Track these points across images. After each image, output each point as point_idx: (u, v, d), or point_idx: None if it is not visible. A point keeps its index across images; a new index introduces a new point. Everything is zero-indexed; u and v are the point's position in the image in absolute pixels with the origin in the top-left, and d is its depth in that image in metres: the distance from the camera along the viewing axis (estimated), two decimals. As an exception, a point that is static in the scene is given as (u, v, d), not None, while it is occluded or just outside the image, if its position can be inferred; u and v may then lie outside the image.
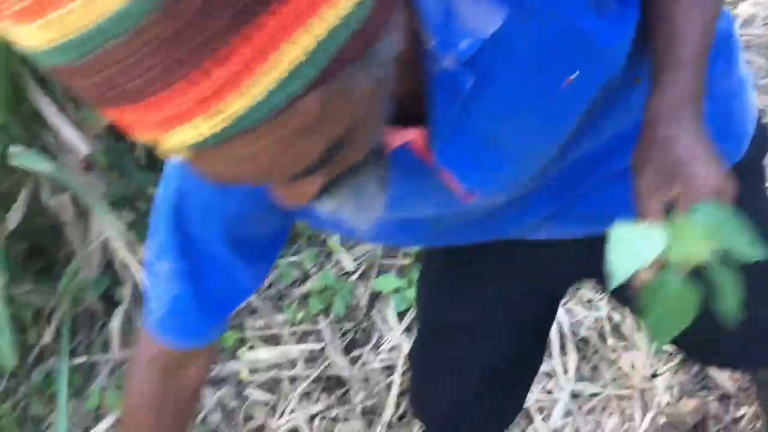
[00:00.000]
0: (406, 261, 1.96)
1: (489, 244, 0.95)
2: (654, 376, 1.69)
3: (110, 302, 1.88)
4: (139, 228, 1.86)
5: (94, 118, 1.74)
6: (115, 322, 1.83)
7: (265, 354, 1.84)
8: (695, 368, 1.68)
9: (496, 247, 0.97)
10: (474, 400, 1.16)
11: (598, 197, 0.89)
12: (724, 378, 1.62)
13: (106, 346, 1.85)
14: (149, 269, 0.83)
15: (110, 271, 1.84)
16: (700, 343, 1.16)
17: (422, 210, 0.75)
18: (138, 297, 1.87)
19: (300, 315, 1.91)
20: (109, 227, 1.71)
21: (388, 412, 1.68)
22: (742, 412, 1.59)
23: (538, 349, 1.20)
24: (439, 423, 1.24)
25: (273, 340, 1.88)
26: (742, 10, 2.57)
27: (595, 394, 1.69)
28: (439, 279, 1.10)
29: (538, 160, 0.75)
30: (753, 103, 0.95)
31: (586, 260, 0.99)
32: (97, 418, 1.78)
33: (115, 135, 1.92)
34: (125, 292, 1.85)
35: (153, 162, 1.99)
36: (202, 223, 0.76)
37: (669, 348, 1.72)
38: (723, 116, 0.89)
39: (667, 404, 1.64)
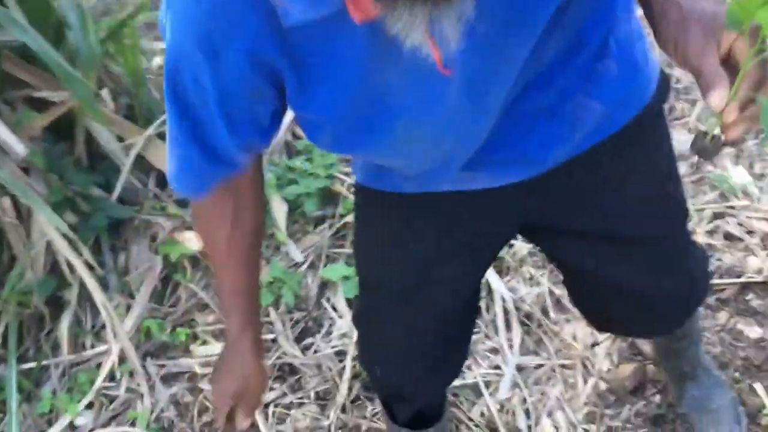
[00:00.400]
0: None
1: (422, 200, 0.99)
2: (594, 345, 1.76)
3: (57, 305, 1.87)
4: (82, 229, 1.85)
5: (31, 119, 1.73)
6: (64, 325, 1.82)
7: (217, 348, 1.85)
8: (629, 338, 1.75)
9: (428, 202, 1.01)
10: (417, 353, 1.20)
11: (524, 138, 0.93)
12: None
13: (55, 350, 1.84)
14: (169, 139, 0.87)
15: (55, 274, 1.83)
16: (621, 319, 1.23)
17: (397, 80, 0.77)
18: (85, 297, 1.87)
19: (250, 308, 1.92)
20: (52, 229, 1.70)
21: (341, 396, 1.72)
22: (676, 373, 1.67)
23: (474, 300, 1.25)
24: (387, 378, 1.28)
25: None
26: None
27: (539, 366, 1.75)
28: (374, 237, 1.13)
29: (508, 65, 0.80)
30: (651, 49, 1.02)
31: (519, 207, 1.03)
32: (49, 422, 1.77)
33: (54, 136, 1.91)
34: (72, 294, 1.84)
35: (93, 162, 1.98)
36: (196, 94, 0.79)
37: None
38: (631, 56, 0.96)
39: (608, 370, 1.71)
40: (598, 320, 1.34)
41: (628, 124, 0.98)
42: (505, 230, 1.13)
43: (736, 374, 1.67)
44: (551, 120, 0.93)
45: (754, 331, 1.73)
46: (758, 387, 1.63)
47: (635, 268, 1.11)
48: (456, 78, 0.77)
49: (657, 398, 1.66)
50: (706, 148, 0.72)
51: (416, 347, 1.21)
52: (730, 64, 0.69)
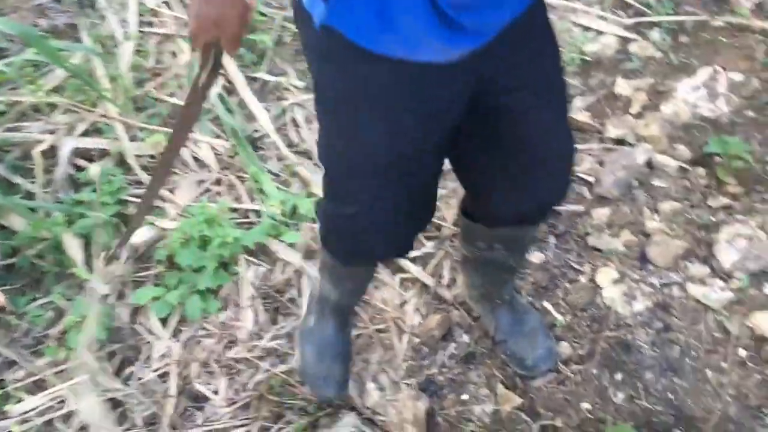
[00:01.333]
0: (160, 269, 1.97)
1: (396, 66, 1.13)
2: (403, 304, 1.86)
3: None
4: None
5: None
6: None
7: (32, 402, 1.77)
8: (432, 289, 1.87)
9: (400, 69, 1.14)
10: (400, 216, 1.33)
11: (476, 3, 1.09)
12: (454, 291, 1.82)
13: None
14: None
15: None
16: (521, 181, 1.34)
17: None
18: None
19: (62, 353, 1.85)
20: None
21: (166, 417, 1.70)
22: (476, 313, 1.80)
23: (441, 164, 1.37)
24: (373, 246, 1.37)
25: (40, 387, 1.82)
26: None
27: (358, 336, 1.82)
28: (351, 87, 1.19)
29: None
30: None
31: (470, 76, 1.19)
32: None
33: None
34: None
35: None
36: None
37: (413, 272, 1.90)
38: None
39: (418, 325, 1.81)
40: (495, 194, 1.39)
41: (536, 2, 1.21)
42: (460, 100, 1.24)
43: (529, 298, 1.83)
44: None
45: (536, 257, 1.89)
46: (548, 305, 1.80)
47: (549, 118, 1.30)
48: None
49: (465, 338, 1.78)
50: None
51: (399, 211, 1.32)
52: None
